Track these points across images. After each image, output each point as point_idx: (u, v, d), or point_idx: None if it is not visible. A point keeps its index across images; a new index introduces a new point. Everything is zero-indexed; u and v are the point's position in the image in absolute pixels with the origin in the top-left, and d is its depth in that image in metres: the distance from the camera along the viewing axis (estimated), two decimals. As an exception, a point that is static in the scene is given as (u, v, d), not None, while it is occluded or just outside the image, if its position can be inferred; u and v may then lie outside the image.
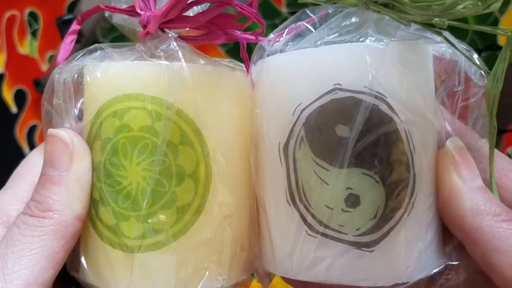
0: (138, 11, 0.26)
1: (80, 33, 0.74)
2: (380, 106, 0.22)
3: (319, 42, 0.23)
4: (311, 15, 0.25)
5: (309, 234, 0.23)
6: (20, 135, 0.82)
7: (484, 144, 0.24)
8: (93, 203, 0.25)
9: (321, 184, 0.22)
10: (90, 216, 0.25)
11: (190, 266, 0.24)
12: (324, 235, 0.22)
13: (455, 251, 0.24)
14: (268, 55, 0.25)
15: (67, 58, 0.27)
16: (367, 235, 0.22)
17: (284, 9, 0.64)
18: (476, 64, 0.23)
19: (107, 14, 0.27)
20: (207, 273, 0.24)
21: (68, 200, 0.23)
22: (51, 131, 0.25)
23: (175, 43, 0.25)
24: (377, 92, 0.22)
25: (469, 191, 0.22)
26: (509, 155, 0.69)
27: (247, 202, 0.26)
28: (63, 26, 0.69)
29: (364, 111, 0.21)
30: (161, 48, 0.25)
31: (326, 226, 0.22)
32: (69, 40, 0.28)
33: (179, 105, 0.24)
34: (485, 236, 0.21)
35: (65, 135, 0.24)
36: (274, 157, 0.24)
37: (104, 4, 0.27)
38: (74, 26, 0.28)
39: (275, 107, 0.24)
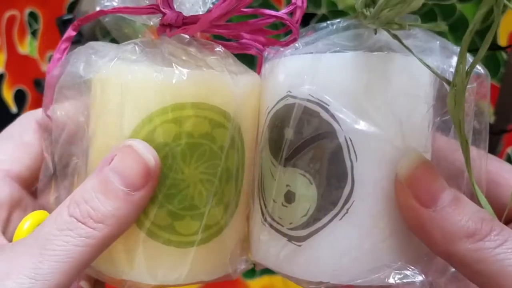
0: (162, 9, 0.25)
1: (80, 33, 0.74)
2: (321, 113, 0.23)
3: (287, 53, 0.25)
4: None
5: (262, 223, 0.26)
6: (20, 135, 0.82)
7: (478, 153, 0.23)
8: None
9: (272, 179, 0.25)
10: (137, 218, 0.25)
11: (231, 253, 0.27)
12: (270, 225, 0.25)
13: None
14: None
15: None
16: (297, 230, 0.24)
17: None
18: (431, 70, 0.22)
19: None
20: (242, 257, 0.28)
21: (126, 218, 0.22)
22: (130, 142, 0.23)
23: (221, 50, 0.26)
24: (318, 99, 0.23)
25: (435, 218, 0.21)
26: (509, 155, 0.69)
27: None
28: (63, 26, 0.69)
29: (297, 116, 0.23)
30: (208, 54, 0.26)
31: (271, 218, 0.25)
32: (63, 47, 0.28)
33: (233, 114, 0.25)
34: (464, 262, 0.20)
35: (147, 154, 0.23)
36: (256, 155, 0.27)
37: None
38: (70, 32, 0.28)
39: (260, 111, 0.27)
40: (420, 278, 0.22)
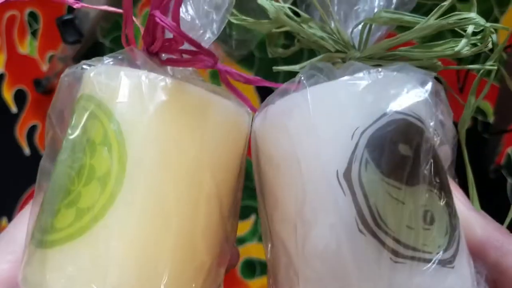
0: None
1: (80, 34, 0.74)
2: (423, 128, 0.24)
3: (361, 74, 0.24)
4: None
5: (395, 262, 0.21)
6: (20, 135, 0.82)
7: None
8: None
9: (397, 204, 0.22)
10: None
11: (79, 272, 0.22)
12: (412, 258, 0.21)
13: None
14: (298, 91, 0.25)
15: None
16: (446, 251, 0.22)
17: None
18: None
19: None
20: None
21: None
22: None
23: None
24: (417, 115, 0.24)
25: (473, 217, 0.25)
26: (509, 155, 0.69)
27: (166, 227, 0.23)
28: (63, 26, 0.68)
29: (410, 131, 0.23)
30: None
31: (413, 249, 0.21)
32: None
33: (111, 106, 0.23)
34: (495, 243, 0.24)
35: None
36: (330, 187, 0.22)
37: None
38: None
39: (326, 135, 0.23)
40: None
